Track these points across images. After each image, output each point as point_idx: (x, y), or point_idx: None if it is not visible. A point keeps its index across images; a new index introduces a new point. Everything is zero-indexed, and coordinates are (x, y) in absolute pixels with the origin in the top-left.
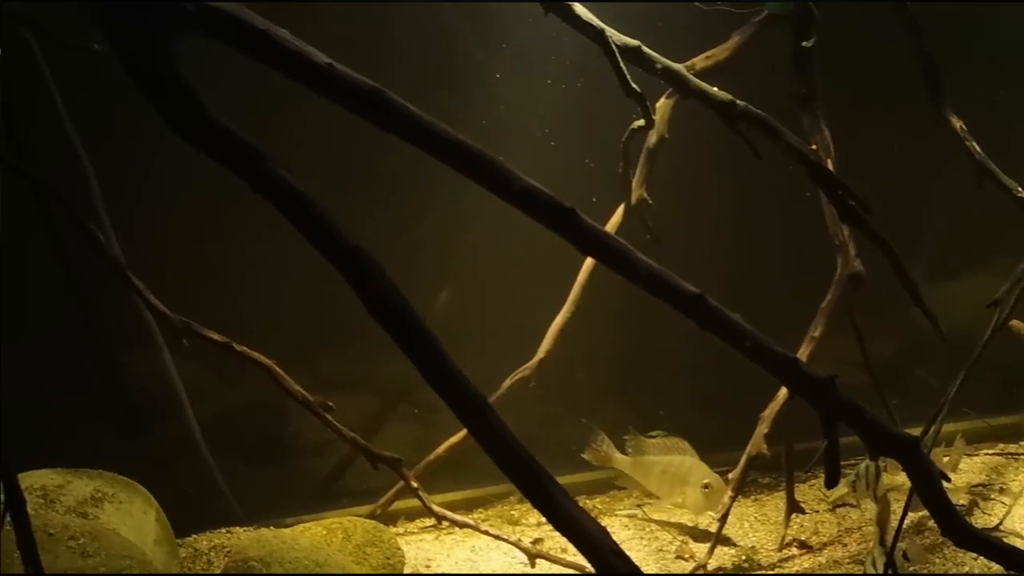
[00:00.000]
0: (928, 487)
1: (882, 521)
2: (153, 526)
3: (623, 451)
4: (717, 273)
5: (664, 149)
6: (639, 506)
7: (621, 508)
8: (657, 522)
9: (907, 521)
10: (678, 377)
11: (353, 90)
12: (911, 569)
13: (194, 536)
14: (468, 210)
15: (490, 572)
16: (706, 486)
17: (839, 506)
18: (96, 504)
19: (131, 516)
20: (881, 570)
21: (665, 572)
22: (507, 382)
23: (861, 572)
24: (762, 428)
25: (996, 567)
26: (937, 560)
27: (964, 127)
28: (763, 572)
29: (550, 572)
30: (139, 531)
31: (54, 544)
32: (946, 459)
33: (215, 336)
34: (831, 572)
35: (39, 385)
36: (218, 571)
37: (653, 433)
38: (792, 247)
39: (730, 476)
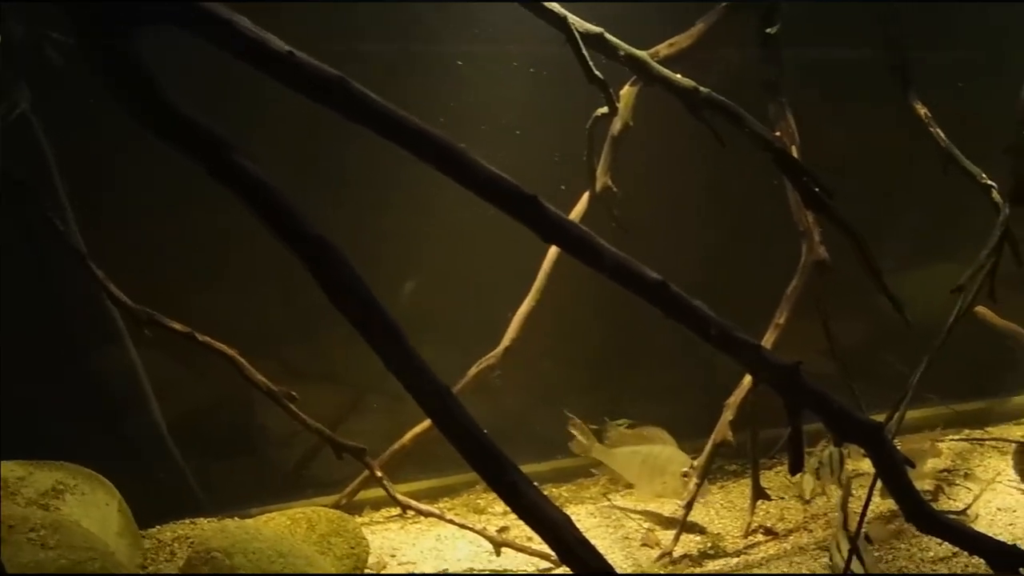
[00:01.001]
0: (892, 473)
1: (845, 508)
2: (115, 517)
3: (602, 440)
4: (685, 260)
5: (629, 136)
6: (606, 495)
7: (588, 496)
8: (623, 509)
9: (875, 508)
10: (647, 365)
11: (314, 78)
12: (875, 552)
13: (157, 527)
14: (431, 199)
15: (456, 561)
16: (685, 475)
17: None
18: (58, 496)
19: (93, 508)
20: (845, 555)
21: (631, 560)
22: (472, 370)
23: (827, 558)
24: (727, 415)
25: (961, 552)
26: (902, 546)
27: (929, 114)
28: (729, 558)
29: (515, 560)
30: (101, 523)
31: (14, 536)
32: (928, 445)
33: (178, 326)
34: (797, 558)
35: None
36: (181, 562)
37: (620, 422)
38: (759, 234)
39: (695, 463)
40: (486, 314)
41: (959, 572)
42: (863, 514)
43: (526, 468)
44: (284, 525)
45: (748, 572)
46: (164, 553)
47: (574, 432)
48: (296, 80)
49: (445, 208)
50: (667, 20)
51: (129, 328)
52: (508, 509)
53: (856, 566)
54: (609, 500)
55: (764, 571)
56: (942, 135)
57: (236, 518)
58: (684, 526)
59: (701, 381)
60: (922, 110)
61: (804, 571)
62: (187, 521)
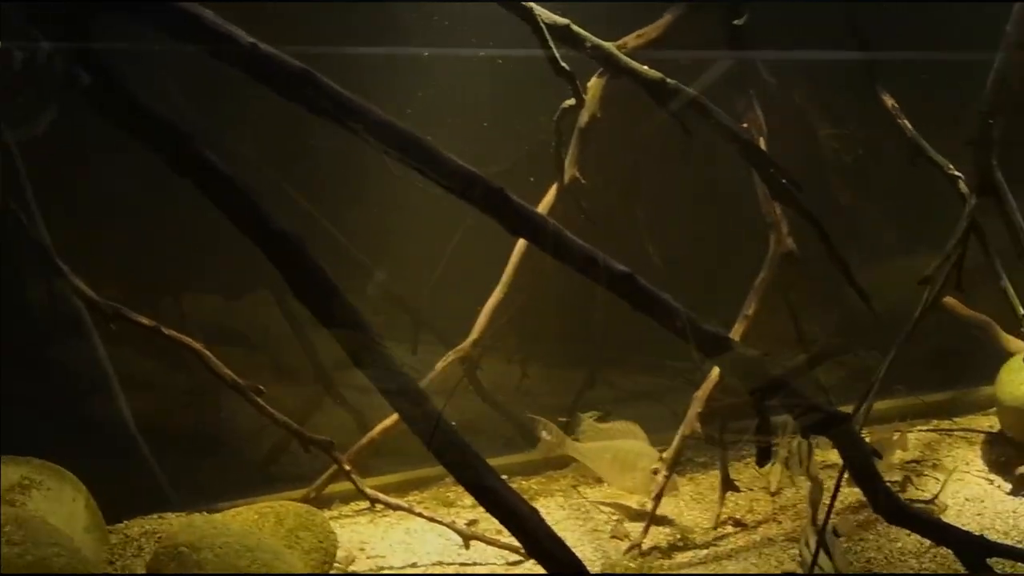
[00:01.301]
0: (859, 465)
1: (814, 500)
2: (82, 513)
3: (572, 433)
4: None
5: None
6: (575, 487)
7: (558, 488)
8: (592, 502)
9: (844, 499)
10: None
11: (279, 71)
12: (844, 544)
13: (125, 522)
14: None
15: (425, 554)
16: (655, 471)
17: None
18: (23, 491)
19: (60, 503)
20: (813, 548)
21: (600, 552)
22: (439, 364)
23: (797, 549)
24: (695, 408)
25: (928, 542)
26: (871, 536)
27: (896, 105)
28: (698, 550)
29: (485, 553)
30: (68, 518)
31: None
32: (896, 436)
33: (144, 320)
34: (766, 549)
35: None
36: (148, 557)
37: (590, 414)
38: (728, 226)
39: (664, 456)
40: (458, 306)
41: (927, 563)
42: (831, 506)
43: (495, 461)
44: (252, 519)
45: (718, 564)
46: (131, 548)
47: (542, 433)
48: (262, 72)
49: (414, 201)
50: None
51: (96, 322)
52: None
53: (824, 560)
54: (578, 493)
55: (733, 563)
56: (909, 126)
57: (204, 513)
58: (653, 518)
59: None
60: (889, 102)
61: (773, 562)
62: (155, 516)
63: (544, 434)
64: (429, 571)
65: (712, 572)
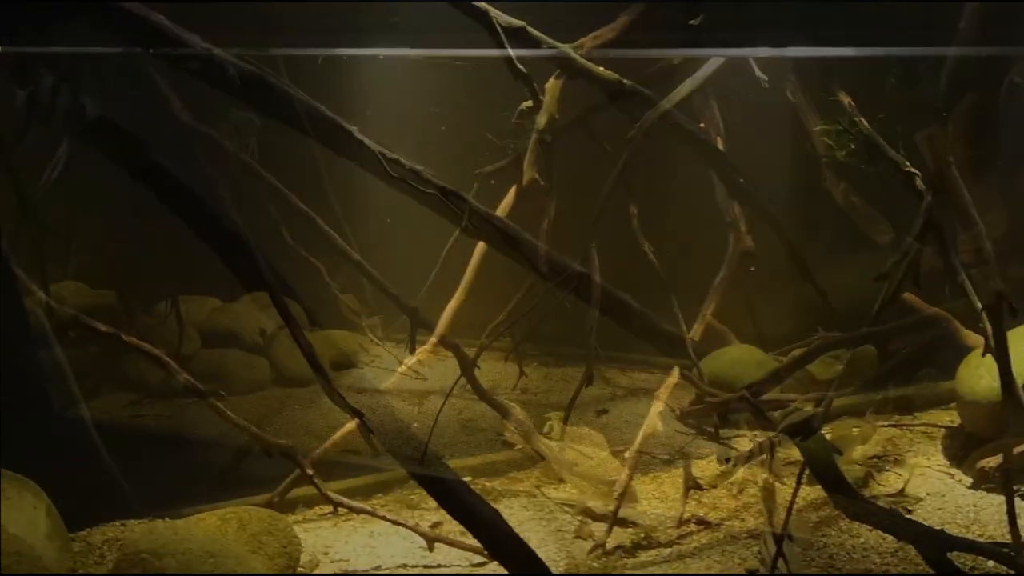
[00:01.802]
0: (820, 462)
1: (769, 506)
2: (44, 521)
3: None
4: (614, 253)
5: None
6: (539, 488)
7: (522, 489)
8: (556, 502)
9: (806, 496)
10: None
11: (232, 75)
12: (798, 550)
13: (87, 530)
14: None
15: (389, 556)
16: (613, 482)
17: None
18: None
19: (21, 512)
20: (772, 550)
21: (564, 552)
22: (400, 368)
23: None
24: (656, 406)
25: (890, 538)
26: (833, 532)
27: (853, 103)
28: (662, 549)
29: (449, 555)
30: (29, 526)
31: None
32: (856, 431)
33: (102, 327)
34: (729, 547)
35: None
36: (111, 564)
37: (548, 415)
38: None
39: (626, 455)
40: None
41: (889, 559)
42: (791, 505)
43: (458, 463)
44: (215, 525)
45: (681, 562)
46: (94, 556)
47: (513, 423)
48: (214, 76)
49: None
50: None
51: (55, 329)
52: None
53: (782, 565)
54: (542, 493)
55: (696, 560)
56: (865, 123)
57: (167, 519)
58: (616, 518)
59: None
60: (846, 99)
61: (737, 560)
62: (117, 523)
63: (514, 424)
64: (393, 573)
65: (675, 571)
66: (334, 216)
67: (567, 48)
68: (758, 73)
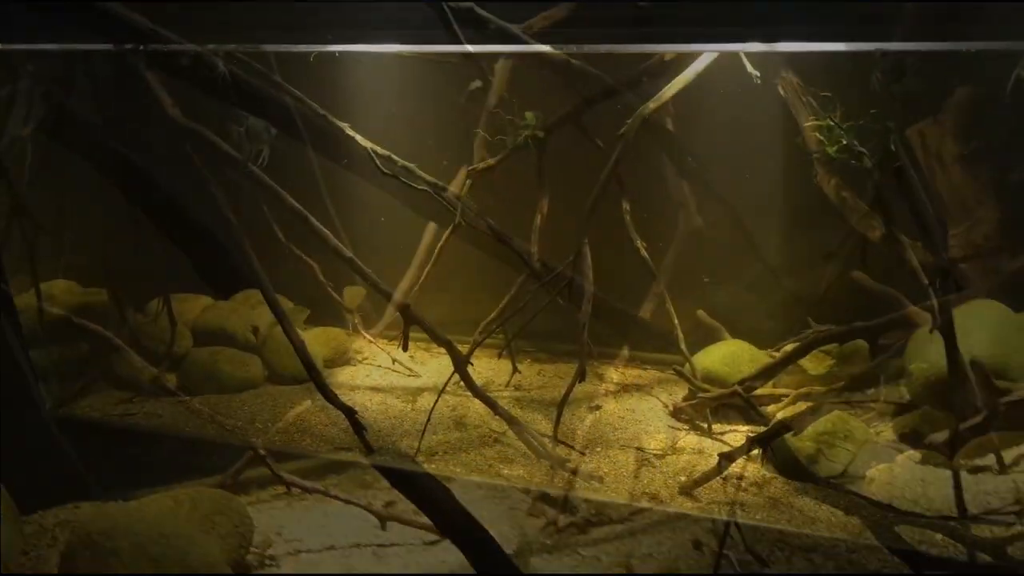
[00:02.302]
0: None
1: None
2: None
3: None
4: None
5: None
6: (491, 467)
7: (476, 467)
8: (509, 481)
9: (755, 474)
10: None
11: (196, 66)
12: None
13: (40, 513)
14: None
15: (342, 536)
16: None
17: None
18: None
19: None
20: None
21: (517, 529)
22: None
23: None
24: (608, 387)
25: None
26: (782, 508)
27: (800, 84)
28: (614, 526)
29: (402, 533)
30: None
31: None
32: (808, 408)
33: (55, 310)
34: (681, 523)
35: None
36: (63, 547)
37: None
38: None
39: (579, 433)
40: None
41: (838, 532)
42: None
43: (411, 441)
44: (167, 506)
45: (632, 538)
46: (46, 538)
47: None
48: (180, 69)
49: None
50: None
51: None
52: None
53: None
54: (497, 472)
55: (648, 537)
56: (813, 103)
57: (120, 500)
58: (568, 499)
59: None
60: (795, 80)
61: (687, 536)
62: (70, 506)
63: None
64: (346, 552)
65: (626, 548)
66: (327, 214)
67: (516, 28)
68: (750, 69)
